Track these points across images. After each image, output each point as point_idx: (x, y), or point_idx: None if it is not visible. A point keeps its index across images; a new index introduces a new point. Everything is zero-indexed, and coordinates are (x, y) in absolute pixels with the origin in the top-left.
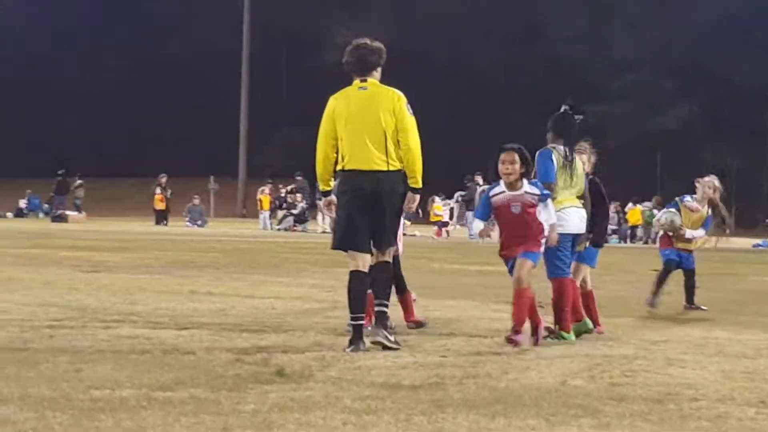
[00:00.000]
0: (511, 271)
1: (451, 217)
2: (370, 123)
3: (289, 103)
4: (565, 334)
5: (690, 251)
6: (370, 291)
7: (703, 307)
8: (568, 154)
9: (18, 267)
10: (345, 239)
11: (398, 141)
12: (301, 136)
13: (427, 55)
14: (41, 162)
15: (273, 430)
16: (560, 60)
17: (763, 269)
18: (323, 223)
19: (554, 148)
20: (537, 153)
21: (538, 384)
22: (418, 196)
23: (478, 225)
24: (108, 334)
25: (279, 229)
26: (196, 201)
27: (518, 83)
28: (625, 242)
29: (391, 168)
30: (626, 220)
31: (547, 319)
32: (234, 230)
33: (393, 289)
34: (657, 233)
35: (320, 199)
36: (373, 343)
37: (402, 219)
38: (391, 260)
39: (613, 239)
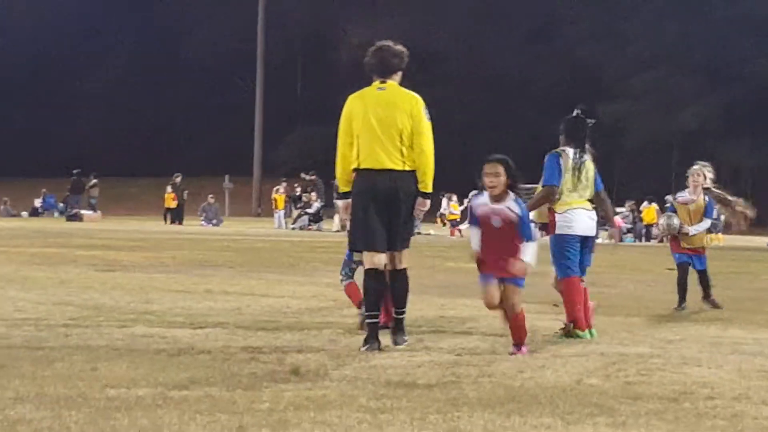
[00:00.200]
0: (486, 284)
1: (463, 217)
2: (386, 123)
3: (304, 102)
4: (579, 332)
5: (700, 252)
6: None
7: (719, 305)
8: (578, 157)
9: (34, 266)
10: (362, 239)
11: (412, 145)
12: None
13: (443, 54)
14: (56, 161)
15: (288, 428)
16: (577, 59)
17: None
18: (338, 222)
19: (563, 150)
20: (547, 156)
21: (553, 383)
22: (428, 201)
23: (474, 235)
24: (123, 333)
25: (294, 228)
26: (211, 200)
27: (534, 82)
28: (640, 241)
29: (407, 168)
30: (641, 219)
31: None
32: (249, 229)
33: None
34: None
35: (337, 199)
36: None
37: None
38: (407, 266)
39: (628, 238)
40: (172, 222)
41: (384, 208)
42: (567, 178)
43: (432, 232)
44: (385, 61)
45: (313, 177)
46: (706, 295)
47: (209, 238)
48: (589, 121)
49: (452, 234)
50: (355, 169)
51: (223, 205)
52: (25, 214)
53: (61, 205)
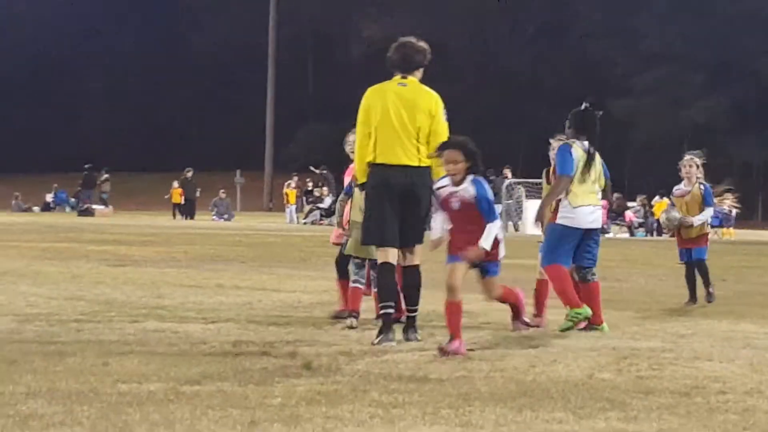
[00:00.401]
0: (451, 263)
1: None
2: (405, 120)
3: (316, 97)
4: (578, 310)
5: (700, 243)
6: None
7: (711, 299)
8: (590, 150)
9: (45, 261)
10: (376, 234)
11: (428, 143)
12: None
13: (455, 49)
14: (68, 156)
15: (300, 423)
16: (588, 54)
17: None
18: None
19: (574, 142)
20: (559, 147)
21: (565, 377)
22: None
23: (436, 221)
24: (135, 328)
25: (306, 223)
26: (223, 195)
27: (544, 78)
28: (652, 235)
29: (423, 164)
30: (653, 214)
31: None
32: (260, 224)
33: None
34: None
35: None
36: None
37: None
38: (420, 263)
39: (640, 232)
40: (184, 216)
41: (398, 204)
42: (578, 170)
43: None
44: (408, 56)
45: (324, 171)
46: (706, 285)
47: (221, 233)
48: (597, 113)
49: None
50: (370, 163)
51: (234, 200)
52: (36, 209)
53: (73, 200)
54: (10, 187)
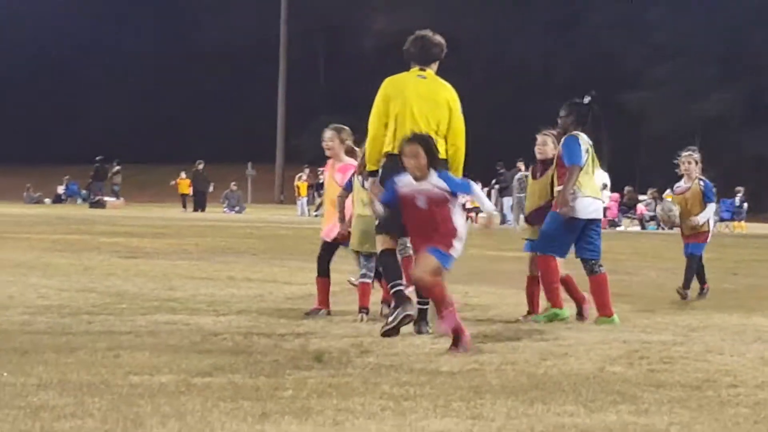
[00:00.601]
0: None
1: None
2: (425, 113)
3: (327, 89)
4: (558, 311)
5: (699, 239)
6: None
7: (686, 296)
8: (591, 142)
9: (56, 253)
10: (392, 223)
11: (445, 138)
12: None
13: (466, 42)
14: (79, 148)
15: (311, 415)
16: (599, 47)
17: None
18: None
19: (579, 135)
20: (565, 138)
21: (576, 370)
22: None
23: (378, 208)
24: (146, 320)
25: (317, 215)
26: (234, 187)
27: (557, 70)
28: (663, 229)
29: (441, 156)
30: None
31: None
32: (271, 216)
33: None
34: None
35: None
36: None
37: None
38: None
39: (651, 226)
40: (194, 209)
41: None
42: (585, 162)
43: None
44: (426, 49)
45: None
46: (685, 285)
47: (232, 225)
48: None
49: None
50: (388, 154)
51: (245, 192)
52: (48, 200)
53: (84, 191)
54: (22, 179)
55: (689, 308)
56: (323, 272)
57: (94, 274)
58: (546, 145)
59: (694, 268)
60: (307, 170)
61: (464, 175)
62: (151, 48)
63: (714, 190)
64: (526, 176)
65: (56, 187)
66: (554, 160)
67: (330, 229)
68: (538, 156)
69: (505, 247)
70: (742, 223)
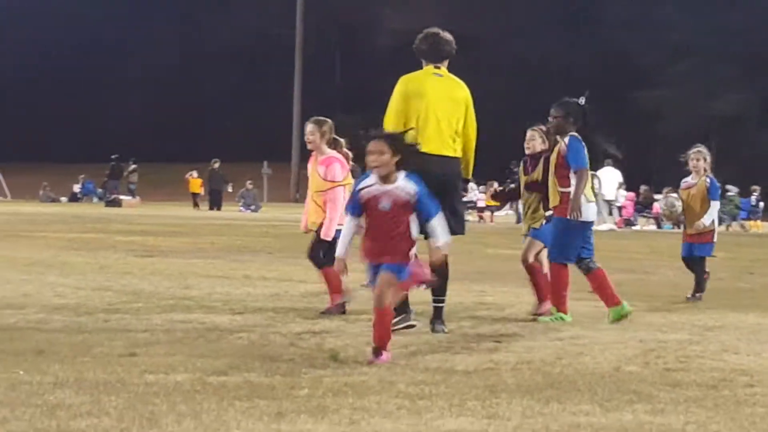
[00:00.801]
0: (373, 280)
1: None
2: (445, 110)
3: (343, 88)
4: (564, 316)
5: (705, 239)
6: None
7: (696, 296)
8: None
9: (72, 251)
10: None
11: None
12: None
13: (480, 40)
14: (95, 147)
15: (327, 414)
16: (616, 45)
17: None
18: None
19: (578, 136)
20: (569, 139)
21: (592, 369)
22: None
23: (346, 231)
24: (162, 318)
25: None
26: (250, 186)
27: (572, 69)
28: (679, 228)
29: (457, 154)
30: None
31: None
32: (287, 215)
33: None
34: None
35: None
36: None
37: None
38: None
39: (667, 225)
40: (210, 208)
41: (434, 193)
42: None
43: (469, 218)
44: (438, 46)
45: (353, 163)
46: (697, 283)
47: (247, 223)
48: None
49: (491, 220)
50: None
51: (261, 190)
52: (64, 199)
53: (100, 190)
54: (39, 178)
55: (705, 307)
56: (321, 263)
57: (110, 272)
58: (534, 140)
59: (703, 269)
60: None
61: (482, 173)
62: (167, 46)
63: (719, 189)
64: None
65: (72, 185)
66: (555, 158)
67: (328, 227)
68: (527, 151)
69: (520, 246)
70: (758, 222)
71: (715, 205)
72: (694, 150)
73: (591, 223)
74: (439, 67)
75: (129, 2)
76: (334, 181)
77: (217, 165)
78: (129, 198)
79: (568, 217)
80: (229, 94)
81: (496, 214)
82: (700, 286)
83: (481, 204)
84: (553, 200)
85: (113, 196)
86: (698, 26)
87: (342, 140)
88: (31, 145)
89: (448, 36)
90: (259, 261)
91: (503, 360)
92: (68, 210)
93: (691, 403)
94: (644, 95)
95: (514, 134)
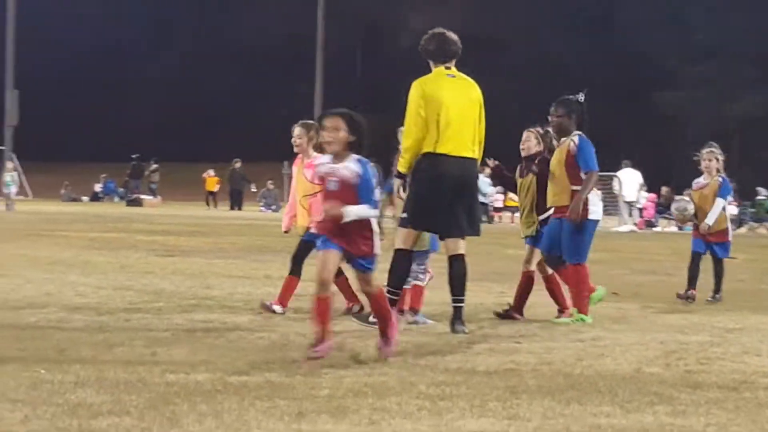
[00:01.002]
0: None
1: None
2: (464, 110)
3: (364, 88)
4: (585, 317)
5: (721, 239)
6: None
7: (716, 297)
8: None
9: (94, 251)
10: (423, 220)
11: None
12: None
13: (504, 42)
14: (116, 146)
15: (348, 414)
16: (637, 46)
17: None
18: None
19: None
20: (579, 139)
21: (612, 371)
22: None
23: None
24: (183, 318)
25: None
26: (271, 186)
27: (595, 69)
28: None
29: (475, 155)
30: None
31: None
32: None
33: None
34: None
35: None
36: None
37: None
38: (464, 252)
39: (688, 226)
40: (231, 208)
41: (453, 195)
42: None
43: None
44: (444, 46)
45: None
46: (715, 290)
47: (268, 223)
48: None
49: (512, 221)
50: (427, 153)
51: (282, 190)
52: (85, 198)
53: (121, 190)
54: (60, 177)
55: (725, 309)
56: (296, 271)
57: (131, 272)
58: (529, 141)
59: (722, 271)
60: None
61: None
62: (188, 46)
63: (730, 189)
64: None
65: (93, 185)
66: (565, 158)
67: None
68: (523, 153)
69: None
70: None
71: (720, 203)
72: (707, 150)
73: (598, 221)
74: (449, 68)
75: (149, 2)
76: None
77: (238, 165)
78: (150, 197)
79: (569, 217)
80: (251, 94)
81: (515, 215)
82: (719, 282)
83: (498, 204)
84: (564, 199)
85: (134, 196)
86: (720, 27)
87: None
88: (52, 145)
89: (453, 36)
90: (279, 261)
91: (524, 361)
92: (89, 209)
93: (712, 405)
94: (666, 96)
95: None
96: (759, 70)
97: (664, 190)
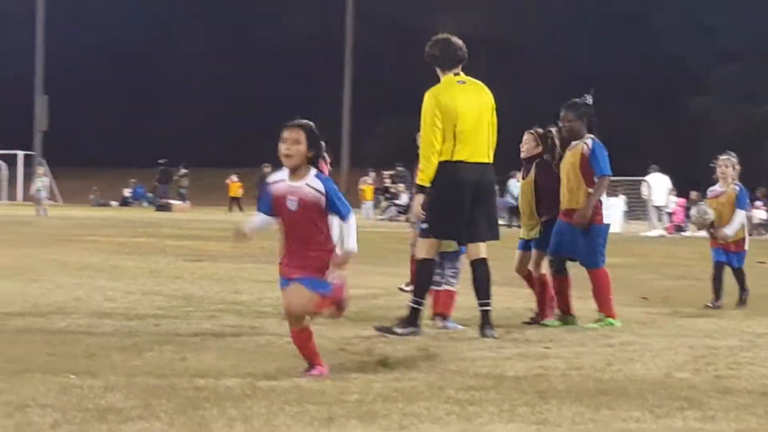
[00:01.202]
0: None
1: None
2: (478, 116)
3: (393, 92)
4: (613, 321)
5: (737, 248)
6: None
7: (743, 298)
8: None
9: (123, 256)
10: (451, 230)
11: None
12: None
13: (530, 46)
14: (145, 151)
15: (377, 420)
16: (664, 50)
17: None
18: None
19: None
20: (592, 143)
21: (642, 376)
22: None
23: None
24: (212, 323)
25: (382, 219)
26: None
27: (622, 75)
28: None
29: (491, 160)
30: None
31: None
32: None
33: None
34: None
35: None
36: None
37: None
38: (486, 256)
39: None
40: (246, 211)
41: (471, 201)
42: None
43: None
44: (451, 52)
45: (400, 168)
46: (741, 296)
47: None
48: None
49: None
50: (445, 161)
51: None
52: (114, 203)
53: (151, 194)
54: (89, 182)
55: (755, 314)
56: None
57: (160, 277)
58: (528, 143)
59: (743, 275)
60: (372, 174)
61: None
62: (216, 50)
63: (748, 198)
64: None
65: (122, 189)
66: (579, 161)
67: None
68: (522, 155)
69: None
70: None
71: (740, 214)
72: (723, 157)
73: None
74: (458, 74)
75: (177, 5)
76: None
77: (268, 170)
78: (179, 202)
79: (574, 220)
80: (279, 99)
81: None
82: (743, 286)
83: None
84: (577, 202)
85: (163, 201)
86: (746, 30)
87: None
88: (81, 150)
89: (458, 41)
90: None
91: (553, 366)
92: (119, 214)
93: (742, 410)
94: (694, 100)
95: None
96: None
97: (693, 194)
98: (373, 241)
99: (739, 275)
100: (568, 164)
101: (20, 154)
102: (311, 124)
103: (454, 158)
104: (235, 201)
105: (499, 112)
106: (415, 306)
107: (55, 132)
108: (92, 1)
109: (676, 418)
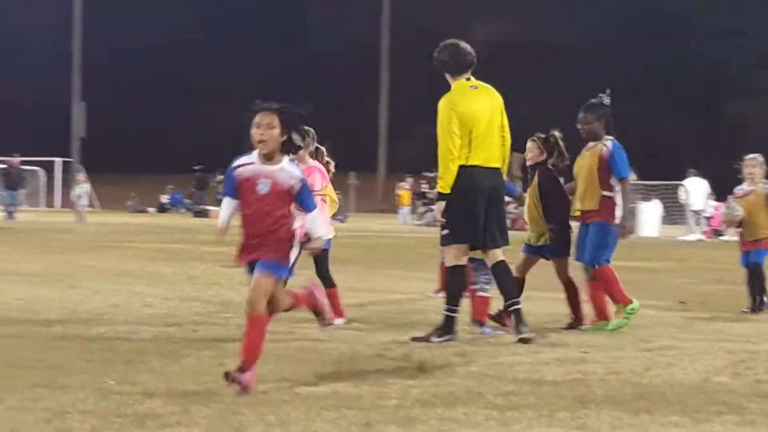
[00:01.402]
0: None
1: None
2: (491, 121)
3: (430, 97)
4: (632, 306)
5: (760, 246)
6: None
7: (762, 305)
8: None
9: (161, 262)
10: (469, 234)
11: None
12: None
13: (566, 50)
14: (182, 158)
15: (415, 425)
16: (702, 54)
17: None
18: None
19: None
20: (612, 145)
21: (681, 380)
22: None
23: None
24: None
25: (420, 225)
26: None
27: (659, 79)
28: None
29: (501, 165)
30: None
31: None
32: (375, 225)
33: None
34: None
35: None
36: (521, 340)
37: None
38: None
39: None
40: None
41: (486, 205)
42: None
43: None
44: (459, 57)
45: (435, 173)
46: (758, 293)
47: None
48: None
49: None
50: (460, 165)
51: (348, 201)
52: (152, 209)
53: (187, 201)
54: (127, 188)
55: None
56: (329, 283)
57: (198, 283)
58: (532, 150)
59: (762, 279)
60: (409, 179)
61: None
62: (253, 57)
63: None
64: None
65: (159, 196)
66: (598, 163)
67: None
68: (528, 163)
69: None
70: None
71: None
72: (749, 157)
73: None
74: (469, 79)
75: (215, 13)
76: (312, 191)
77: None
78: (216, 209)
79: (621, 235)
80: (316, 105)
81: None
82: (761, 288)
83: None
84: (591, 204)
85: (200, 207)
86: None
87: (323, 149)
88: (118, 156)
89: (467, 46)
90: (346, 271)
91: (591, 370)
92: (156, 220)
93: None
94: (731, 104)
95: None
96: None
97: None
98: (410, 246)
99: (757, 273)
100: (586, 166)
101: (58, 160)
102: (283, 106)
103: (470, 163)
104: None
105: (535, 117)
106: (450, 314)
107: (92, 138)
108: (130, 7)
109: (715, 422)
